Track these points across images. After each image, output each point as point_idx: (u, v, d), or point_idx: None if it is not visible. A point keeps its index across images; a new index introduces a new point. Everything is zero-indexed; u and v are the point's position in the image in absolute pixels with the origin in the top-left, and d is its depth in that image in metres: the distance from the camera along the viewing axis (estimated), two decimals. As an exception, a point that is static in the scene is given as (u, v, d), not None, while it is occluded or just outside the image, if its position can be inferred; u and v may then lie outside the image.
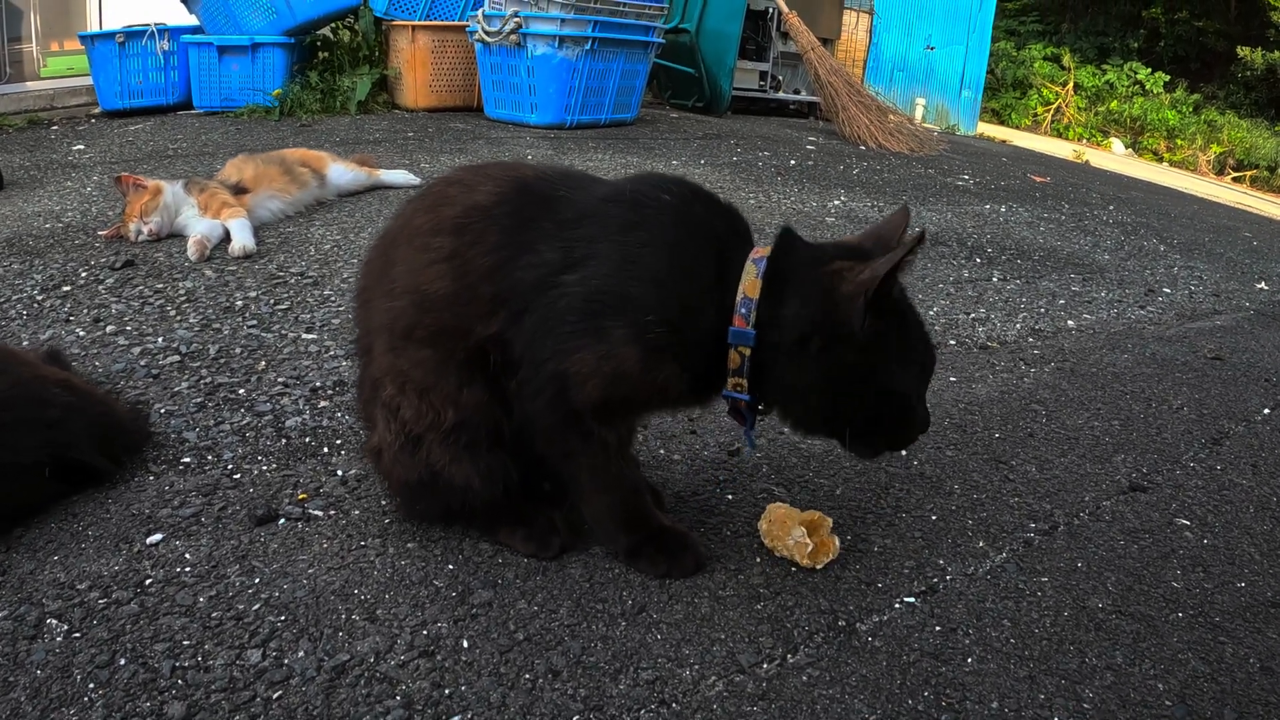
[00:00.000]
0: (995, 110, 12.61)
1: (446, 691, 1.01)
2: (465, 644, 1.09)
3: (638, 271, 1.09)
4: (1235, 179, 11.00)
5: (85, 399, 1.46)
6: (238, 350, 1.93)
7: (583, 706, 1.01)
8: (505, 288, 1.12)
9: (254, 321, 2.09)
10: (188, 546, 1.26)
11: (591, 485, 1.21)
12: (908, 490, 1.56)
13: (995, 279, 3.10)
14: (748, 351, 1.11)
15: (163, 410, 1.66)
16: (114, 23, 5.19)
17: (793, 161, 4.87)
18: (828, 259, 1.12)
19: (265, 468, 1.49)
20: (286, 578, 1.19)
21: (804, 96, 7.41)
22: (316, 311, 2.18)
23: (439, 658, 1.06)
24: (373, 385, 1.26)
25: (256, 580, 1.19)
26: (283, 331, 2.05)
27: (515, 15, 4.65)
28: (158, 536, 1.28)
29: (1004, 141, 9.27)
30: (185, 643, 1.06)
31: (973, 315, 2.67)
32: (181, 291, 2.24)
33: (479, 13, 4.83)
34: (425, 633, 1.10)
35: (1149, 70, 13.04)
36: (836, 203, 3.87)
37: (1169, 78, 13.01)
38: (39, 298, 2.16)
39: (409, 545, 1.28)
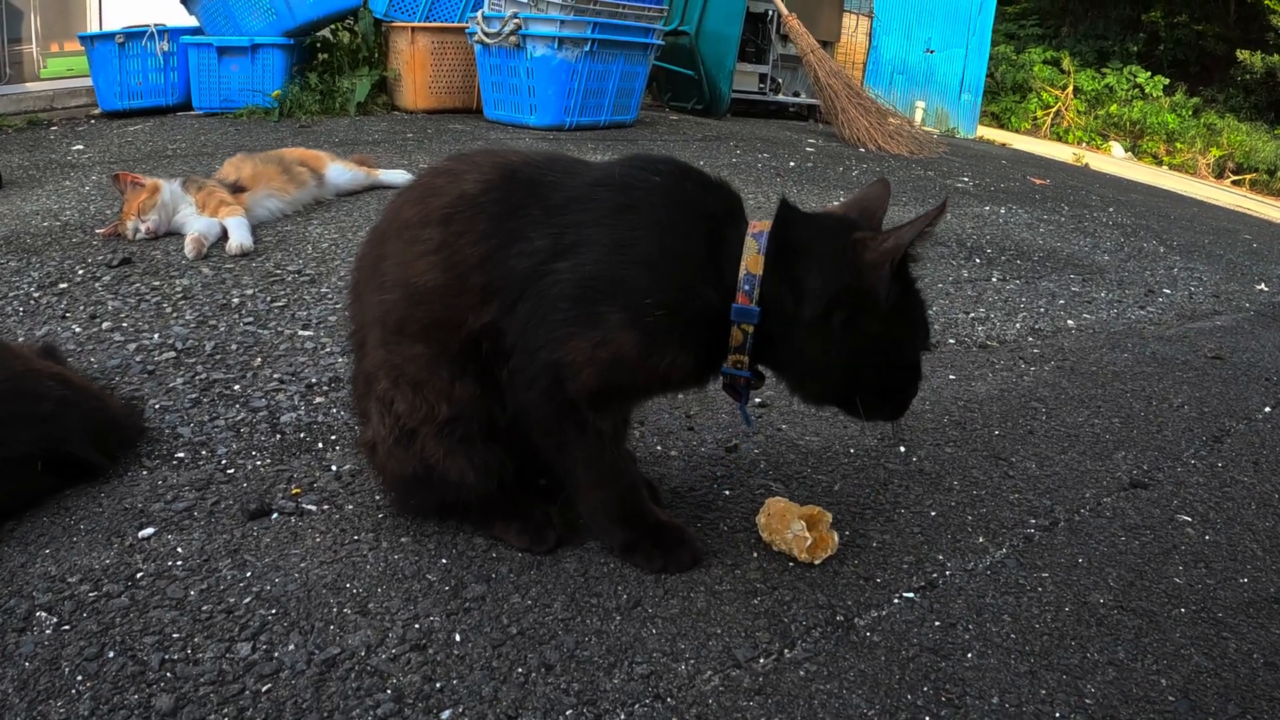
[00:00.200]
0: (995, 114, 12.61)
1: (438, 685, 1.00)
2: (458, 638, 1.08)
3: (632, 255, 1.08)
4: (1235, 182, 10.99)
5: (79, 393, 1.45)
6: (234, 347, 1.92)
7: (576, 701, 0.99)
8: (496, 277, 1.11)
9: (250, 318, 2.08)
10: (180, 540, 1.25)
11: (586, 478, 1.20)
12: (907, 486, 1.55)
13: (995, 279, 3.09)
14: (751, 328, 1.10)
15: (157, 406, 1.65)
16: (114, 24, 5.19)
17: (792, 163, 4.86)
18: (841, 230, 1.12)
19: (259, 463, 1.48)
20: (278, 571, 1.18)
21: (803, 99, 7.41)
22: (313, 309, 2.17)
23: (431, 651, 1.05)
24: (367, 379, 1.25)
25: (248, 574, 1.18)
26: (279, 328, 2.04)
27: (515, 17, 4.65)
28: (150, 530, 1.27)
29: (1003, 145, 9.27)
30: (175, 636, 1.05)
31: (972, 315, 2.66)
32: (178, 289, 2.23)
33: (478, 14, 4.82)
34: (417, 626, 1.09)
35: (1149, 74, 13.04)
36: (836, 204, 3.85)
37: (1168, 81, 13.01)
38: (35, 295, 2.15)
39: (402, 539, 1.27)
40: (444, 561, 1.22)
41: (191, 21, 5.03)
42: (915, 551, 1.34)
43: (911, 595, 1.23)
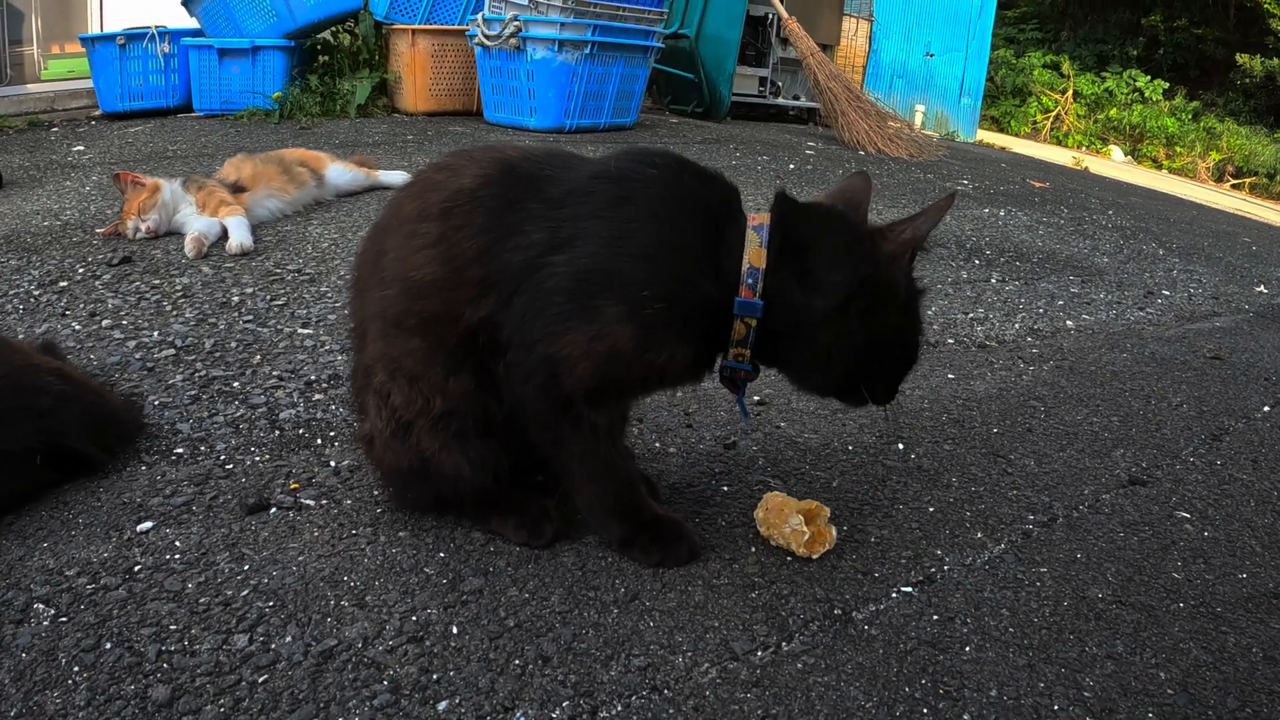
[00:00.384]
0: (995, 117, 12.63)
1: (435, 676, 1.00)
2: (455, 630, 1.07)
3: (629, 247, 1.08)
4: (1234, 186, 11.00)
5: (79, 388, 1.45)
6: (233, 344, 1.92)
7: (573, 692, 0.99)
8: (493, 270, 1.11)
9: (250, 317, 2.08)
10: (178, 534, 1.25)
11: (582, 472, 1.19)
12: (905, 483, 1.55)
13: (994, 280, 3.09)
14: (754, 322, 1.11)
15: (157, 402, 1.65)
16: (115, 25, 5.20)
17: (792, 166, 4.87)
18: (843, 222, 1.14)
19: (258, 458, 1.48)
20: (276, 565, 1.18)
21: (803, 102, 7.42)
22: (313, 307, 2.17)
23: (428, 643, 1.05)
24: (365, 372, 1.25)
25: (246, 567, 1.18)
26: (279, 326, 2.04)
27: (515, 19, 4.66)
28: (148, 524, 1.27)
29: (1003, 148, 9.28)
30: (172, 628, 1.05)
31: (971, 315, 2.66)
32: (178, 287, 2.23)
33: (479, 16, 4.83)
34: (415, 619, 1.09)
35: (1148, 78, 13.06)
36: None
37: (1168, 85, 13.02)
38: (35, 293, 2.15)
39: (400, 534, 1.27)
40: (441, 555, 1.22)
41: (192, 23, 5.04)
42: (913, 547, 1.34)
43: (910, 590, 1.23)
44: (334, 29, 5.32)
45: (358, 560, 1.20)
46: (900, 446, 1.69)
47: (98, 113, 4.99)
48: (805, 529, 1.25)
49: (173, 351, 1.86)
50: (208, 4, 4.88)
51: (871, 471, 1.58)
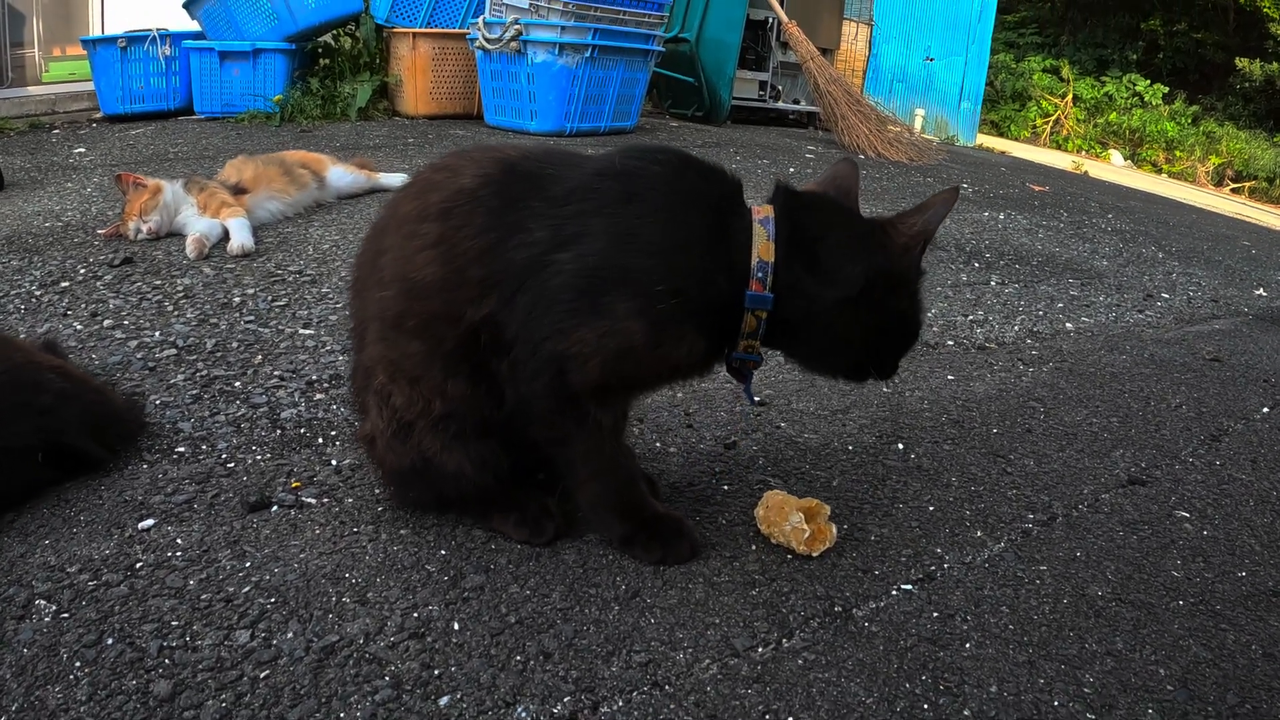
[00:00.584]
0: (994, 122, 12.64)
1: (436, 672, 1.00)
2: (456, 626, 1.08)
3: (637, 243, 1.08)
4: (1234, 190, 11.01)
5: (80, 386, 1.45)
6: (235, 345, 1.93)
7: (574, 688, 0.99)
8: (496, 269, 1.11)
9: (251, 317, 2.09)
10: (179, 532, 1.25)
11: (586, 470, 1.20)
12: (905, 482, 1.55)
13: (993, 283, 3.10)
14: (764, 314, 1.12)
15: (158, 401, 1.65)
16: (116, 27, 5.20)
17: (791, 169, 4.87)
18: (848, 213, 1.17)
19: (259, 457, 1.48)
20: (278, 562, 1.18)
21: (803, 106, 7.43)
22: (314, 308, 2.18)
23: (429, 639, 1.05)
24: (365, 373, 1.25)
25: (247, 564, 1.18)
26: (280, 327, 2.05)
27: (516, 23, 4.67)
28: (149, 522, 1.27)
29: (1003, 152, 9.28)
30: (174, 623, 1.05)
31: (970, 317, 2.66)
32: (180, 288, 2.23)
33: (479, 20, 4.84)
34: (416, 615, 1.09)
35: (1148, 82, 13.07)
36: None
37: (1168, 89, 13.03)
38: (37, 293, 2.15)
39: (401, 531, 1.27)
40: (443, 553, 1.22)
41: (194, 26, 5.05)
42: (913, 545, 1.34)
43: (909, 587, 1.24)
44: (335, 32, 5.33)
45: (359, 558, 1.20)
46: (900, 446, 1.69)
47: (99, 115, 5.00)
48: (806, 527, 1.25)
49: (174, 351, 1.87)
50: (209, 7, 4.89)
51: (871, 471, 1.58)
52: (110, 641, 1.02)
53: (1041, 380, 2.16)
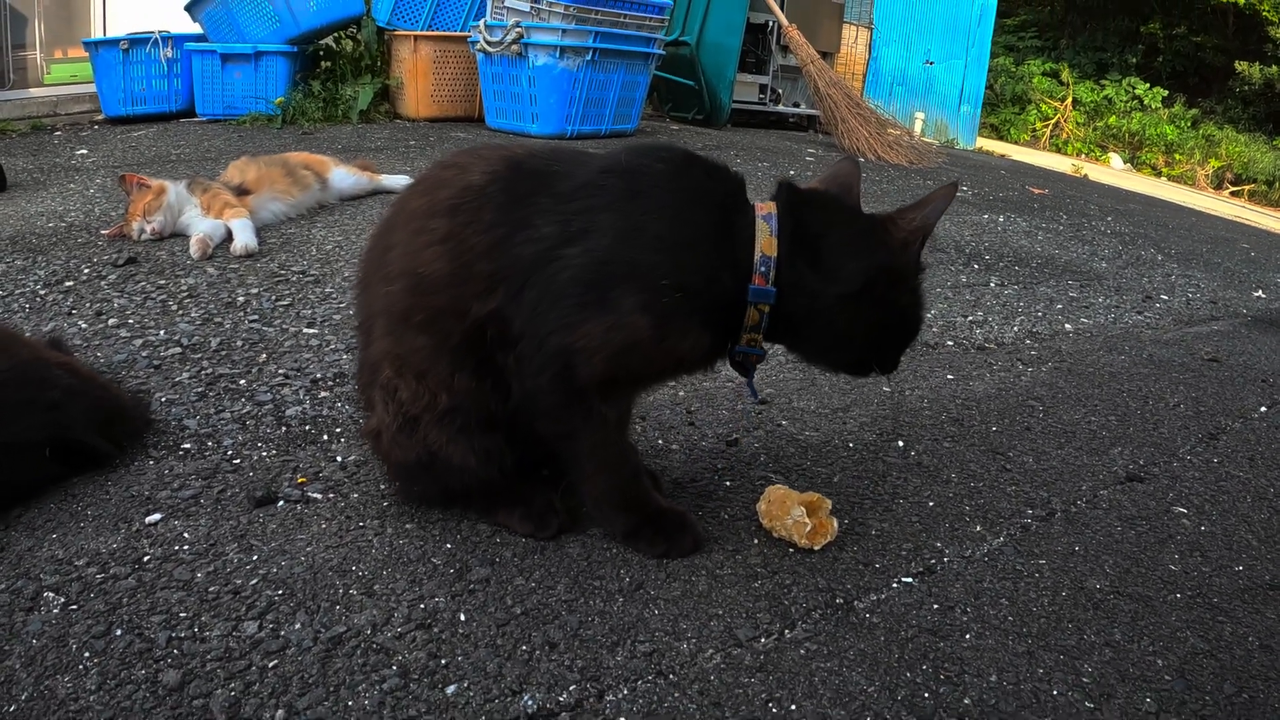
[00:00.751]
0: (994, 125, 12.67)
1: (443, 662, 1.01)
2: (462, 617, 1.09)
3: (643, 239, 1.10)
4: (1234, 193, 11.03)
5: (86, 382, 1.46)
6: (239, 343, 1.94)
7: (579, 676, 1.01)
8: (503, 265, 1.12)
9: (255, 316, 2.10)
10: (186, 526, 1.26)
11: (591, 465, 1.21)
12: (905, 478, 1.56)
13: (993, 284, 3.11)
14: (767, 308, 1.13)
15: (164, 399, 1.66)
16: (118, 30, 5.22)
17: (792, 172, 4.89)
18: (850, 210, 1.19)
19: (265, 454, 1.49)
20: (285, 555, 1.20)
21: (803, 109, 7.45)
22: (318, 308, 2.19)
23: (436, 630, 1.06)
24: (371, 368, 1.26)
25: (254, 558, 1.19)
26: (284, 326, 2.06)
27: (517, 25, 4.69)
28: (156, 516, 1.28)
29: (1003, 155, 9.31)
30: (182, 615, 1.06)
31: (970, 318, 2.68)
32: (184, 287, 2.25)
33: (481, 23, 4.86)
34: (422, 607, 1.10)
35: (1147, 85, 13.10)
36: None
37: (1167, 93, 13.07)
38: (41, 292, 2.17)
39: (407, 525, 1.28)
40: (449, 546, 1.24)
41: (195, 28, 5.06)
42: (914, 539, 1.36)
43: (910, 580, 1.25)
44: (336, 35, 5.35)
45: (365, 551, 1.21)
46: (900, 444, 1.70)
47: (100, 117, 5.01)
48: (807, 521, 1.27)
49: (179, 350, 1.88)
50: (211, 9, 4.91)
51: (872, 467, 1.59)
52: (119, 632, 1.03)
53: (1040, 380, 2.18)
